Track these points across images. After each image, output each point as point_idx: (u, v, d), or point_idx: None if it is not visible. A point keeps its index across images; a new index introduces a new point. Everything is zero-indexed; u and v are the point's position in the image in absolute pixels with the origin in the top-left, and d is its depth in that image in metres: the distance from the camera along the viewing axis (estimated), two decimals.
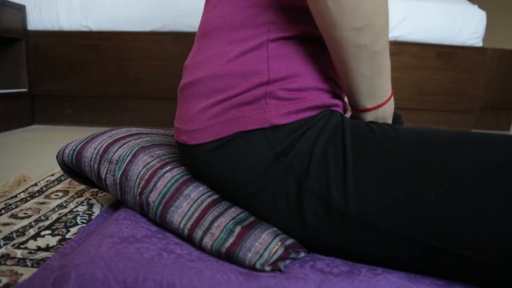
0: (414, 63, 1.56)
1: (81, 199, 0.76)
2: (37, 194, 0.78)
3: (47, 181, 0.86)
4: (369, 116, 0.52)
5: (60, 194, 0.78)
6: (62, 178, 0.88)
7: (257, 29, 0.47)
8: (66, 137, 1.46)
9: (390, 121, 0.55)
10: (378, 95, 0.50)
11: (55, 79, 1.64)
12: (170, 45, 1.59)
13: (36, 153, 1.17)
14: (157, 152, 0.59)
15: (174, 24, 1.58)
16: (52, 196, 0.77)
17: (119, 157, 0.59)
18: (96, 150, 0.62)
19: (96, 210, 0.70)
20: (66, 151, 0.65)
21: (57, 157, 0.67)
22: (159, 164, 0.56)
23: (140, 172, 0.56)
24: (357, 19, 0.41)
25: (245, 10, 0.47)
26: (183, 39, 1.58)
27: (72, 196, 0.77)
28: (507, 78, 1.92)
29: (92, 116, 1.69)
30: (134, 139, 0.63)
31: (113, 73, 1.62)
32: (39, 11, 1.62)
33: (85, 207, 0.71)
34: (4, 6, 1.48)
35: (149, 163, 0.57)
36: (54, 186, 0.83)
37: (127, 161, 0.58)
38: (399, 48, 1.55)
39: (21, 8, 1.58)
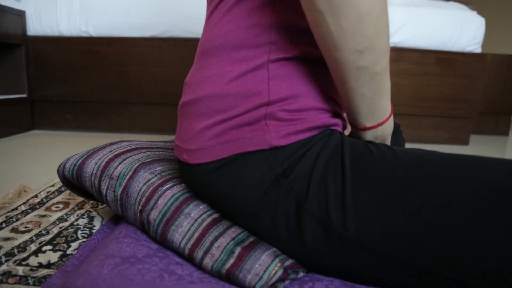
0: (414, 69, 1.57)
1: (82, 211, 0.76)
2: (37, 206, 0.78)
3: (48, 192, 0.86)
4: (369, 135, 0.52)
5: (61, 206, 0.79)
6: (62, 189, 0.88)
7: (258, 49, 0.47)
8: (66, 143, 1.47)
9: (389, 139, 0.56)
10: (378, 114, 0.50)
11: (55, 84, 1.64)
12: (170, 51, 1.59)
13: (36, 160, 1.17)
14: (157, 169, 0.60)
15: (174, 30, 1.58)
16: (53, 208, 0.77)
17: (119, 173, 0.60)
18: (96, 166, 0.63)
19: (97, 223, 0.70)
20: (67, 165, 0.66)
21: (57, 171, 0.67)
22: (159, 181, 0.56)
23: (140, 189, 0.56)
24: (358, 42, 0.41)
25: (247, 30, 0.48)
26: (183, 45, 1.58)
27: (73, 208, 0.78)
28: (506, 83, 1.93)
29: (92, 121, 1.69)
30: (134, 155, 0.64)
31: (113, 78, 1.62)
32: (39, 16, 1.62)
33: (85, 220, 0.71)
34: (4, 12, 1.48)
35: (149, 180, 0.57)
36: (54, 197, 0.83)
37: (127, 177, 0.59)
38: (399, 54, 1.56)
39: (21, 14, 1.59)
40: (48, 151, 1.32)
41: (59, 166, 0.67)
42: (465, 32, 1.57)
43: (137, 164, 0.60)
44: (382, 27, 0.42)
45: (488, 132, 2.01)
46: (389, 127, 0.53)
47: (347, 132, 0.61)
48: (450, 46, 1.59)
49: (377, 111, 0.50)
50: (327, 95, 0.50)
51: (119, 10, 1.59)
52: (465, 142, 1.68)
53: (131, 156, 0.63)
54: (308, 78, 0.49)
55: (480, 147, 1.69)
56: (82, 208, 0.78)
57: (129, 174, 0.59)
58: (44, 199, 0.82)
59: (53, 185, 0.90)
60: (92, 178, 0.62)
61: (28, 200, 0.81)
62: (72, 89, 1.64)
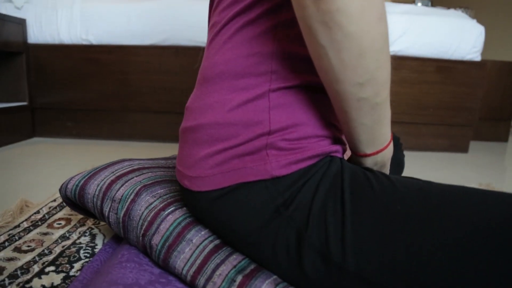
0: (414, 77, 1.57)
1: (84, 228, 0.76)
2: (39, 223, 0.78)
3: (49, 207, 0.87)
4: (369, 161, 0.53)
5: (63, 222, 0.79)
6: (64, 204, 0.89)
7: (259, 77, 0.48)
8: (67, 152, 1.47)
9: (389, 164, 0.56)
10: (378, 142, 0.51)
11: (55, 92, 1.65)
12: (171, 59, 1.59)
13: (37, 171, 1.17)
14: (159, 191, 0.60)
15: (174, 38, 1.58)
16: (55, 225, 0.78)
17: (121, 196, 0.60)
18: (98, 187, 0.63)
19: (99, 241, 0.71)
20: (69, 186, 0.66)
21: (60, 191, 0.68)
22: (161, 205, 0.57)
23: (142, 213, 0.57)
24: (359, 75, 0.41)
25: (247, 59, 0.48)
26: (183, 53, 1.58)
27: (75, 225, 0.78)
28: (506, 90, 1.93)
29: (93, 129, 1.70)
30: (136, 176, 0.64)
31: (113, 86, 1.63)
32: (40, 24, 1.62)
33: (87, 238, 0.72)
34: (5, 20, 1.49)
35: (151, 203, 0.57)
36: (56, 213, 0.84)
37: (129, 200, 0.59)
38: (399, 63, 1.56)
39: (22, 22, 1.59)
40: (49, 160, 1.32)
41: (61, 186, 0.68)
42: (465, 41, 1.58)
43: (139, 187, 0.61)
44: (383, 60, 0.42)
45: (487, 138, 2.02)
46: (389, 153, 0.54)
47: (347, 155, 0.62)
48: (450, 54, 1.59)
49: (377, 139, 0.50)
50: (327, 121, 0.50)
51: (119, 18, 1.59)
52: (464, 149, 1.68)
53: (133, 177, 0.64)
54: (309, 105, 0.49)
55: (479, 154, 1.69)
56: (84, 225, 0.78)
57: (131, 196, 0.59)
58: (46, 215, 0.82)
59: (54, 200, 0.91)
60: (95, 199, 0.63)
61: (30, 216, 0.81)
62: (73, 96, 1.65)
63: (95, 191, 0.63)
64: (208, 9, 0.58)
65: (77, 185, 0.65)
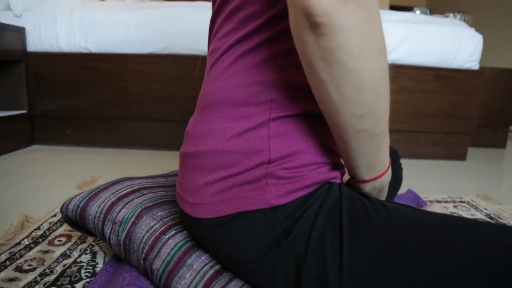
0: (412, 86, 1.58)
1: (84, 245, 0.77)
2: (40, 240, 0.79)
3: (50, 223, 0.87)
4: (367, 187, 0.53)
5: (63, 239, 0.80)
6: None
7: (259, 106, 0.48)
8: (66, 160, 1.47)
9: (387, 188, 0.57)
10: (377, 169, 0.51)
11: (54, 100, 1.65)
12: (170, 68, 1.59)
13: (37, 183, 1.18)
14: (159, 214, 0.61)
15: (173, 46, 1.59)
16: (56, 242, 0.78)
17: (122, 218, 0.61)
18: (99, 209, 0.64)
19: (100, 260, 0.71)
20: (70, 206, 0.67)
21: (61, 210, 0.69)
22: (162, 229, 0.57)
23: (143, 236, 0.57)
24: (359, 108, 0.42)
25: (248, 87, 0.48)
26: (182, 61, 1.59)
27: (75, 242, 0.79)
28: (503, 97, 1.94)
29: (92, 137, 1.70)
30: (137, 197, 0.65)
31: (112, 94, 1.63)
32: (39, 33, 1.62)
33: (88, 257, 0.72)
34: (4, 29, 1.49)
35: (152, 227, 0.58)
36: (56, 229, 0.84)
37: (130, 222, 0.60)
38: (397, 71, 1.57)
39: (21, 31, 1.59)
40: (48, 170, 1.32)
41: (62, 206, 0.68)
42: (463, 49, 1.58)
43: (139, 209, 0.61)
44: (383, 93, 0.43)
45: (485, 145, 2.03)
46: (387, 178, 0.54)
47: (346, 177, 0.62)
48: (448, 63, 1.60)
49: (375, 166, 0.51)
50: (326, 147, 0.51)
51: (118, 27, 1.60)
52: (462, 157, 1.69)
53: (133, 199, 0.64)
54: (308, 133, 0.50)
55: (477, 162, 1.70)
56: (84, 241, 0.79)
57: (132, 219, 0.60)
58: (46, 231, 0.83)
59: (54, 215, 0.91)
60: (96, 221, 0.63)
61: (30, 233, 0.82)
62: (72, 104, 1.65)
63: (96, 213, 0.63)
64: (208, 32, 0.59)
65: (78, 206, 0.66)
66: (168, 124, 1.66)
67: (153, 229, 0.58)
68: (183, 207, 0.53)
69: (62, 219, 0.89)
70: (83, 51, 1.63)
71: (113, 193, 0.66)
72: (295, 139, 0.48)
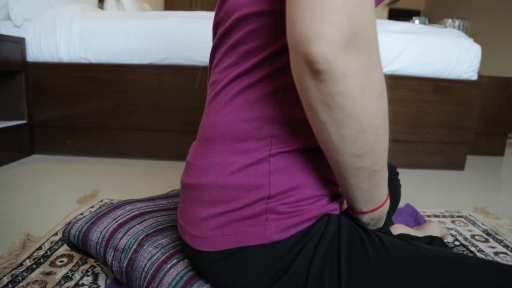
0: (411, 96, 1.59)
1: (86, 266, 0.77)
2: (42, 261, 0.79)
3: (51, 242, 0.87)
4: (365, 218, 0.54)
5: (65, 260, 0.80)
6: None
7: (259, 142, 0.49)
8: (66, 171, 1.48)
9: (384, 217, 0.58)
10: (375, 201, 0.52)
11: (54, 110, 1.65)
12: (169, 78, 1.60)
13: (38, 198, 1.18)
14: (161, 241, 0.61)
15: (173, 57, 1.59)
16: (57, 262, 0.79)
17: (124, 246, 0.61)
18: (101, 235, 0.64)
19: (101, 282, 0.72)
20: (72, 231, 0.67)
21: (63, 234, 0.69)
22: (163, 257, 0.58)
23: (145, 265, 0.58)
24: (359, 148, 0.43)
25: (249, 123, 0.49)
26: (182, 72, 1.59)
27: (77, 263, 0.79)
28: (502, 105, 1.95)
29: (92, 147, 1.70)
30: (138, 223, 0.65)
31: (112, 104, 1.63)
32: (39, 43, 1.63)
33: (90, 279, 0.73)
34: (4, 41, 1.49)
35: (153, 255, 0.59)
36: (58, 248, 0.85)
37: (132, 250, 0.60)
38: (396, 82, 1.57)
39: (21, 41, 1.59)
40: (48, 183, 1.33)
41: (64, 231, 0.69)
42: (462, 60, 1.59)
43: (141, 236, 0.62)
44: (382, 133, 0.43)
45: (484, 153, 2.04)
46: (385, 209, 0.55)
47: (345, 205, 0.63)
48: (447, 73, 1.61)
49: (374, 199, 0.51)
50: (326, 179, 0.52)
51: (118, 37, 1.60)
52: (460, 167, 1.70)
53: (135, 225, 0.65)
54: (308, 167, 0.50)
55: (475, 172, 1.71)
56: (86, 262, 0.79)
57: (134, 246, 0.61)
58: (48, 251, 0.83)
59: (56, 234, 0.92)
60: (98, 247, 0.64)
61: (32, 253, 0.82)
62: (72, 114, 1.65)
63: (98, 239, 0.64)
64: (208, 63, 0.59)
65: (80, 231, 0.66)
66: (168, 134, 1.67)
67: (154, 258, 0.58)
68: (184, 237, 0.54)
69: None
70: (83, 61, 1.64)
71: (115, 219, 0.67)
72: (295, 173, 0.49)
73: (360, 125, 0.40)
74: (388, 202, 0.56)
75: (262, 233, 0.47)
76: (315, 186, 0.50)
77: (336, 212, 0.53)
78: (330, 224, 0.50)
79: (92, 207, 1.09)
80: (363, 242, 0.48)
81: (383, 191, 0.52)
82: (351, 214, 0.56)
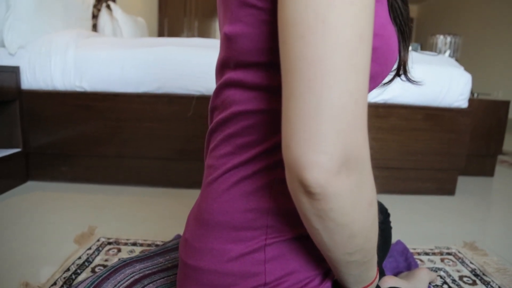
0: (403, 125, 1.62)
1: None
2: None
3: None
4: None
5: None
6: (64, 286, 0.91)
7: (255, 231, 0.51)
8: (62, 201, 1.48)
9: None
10: (365, 281, 0.54)
11: (49, 137, 1.66)
12: (164, 107, 1.61)
13: (34, 233, 1.19)
14: None
15: (167, 86, 1.60)
16: None
17: None
18: None
19: None
20: None
21: None
22: None
23: None
24: (350, 248, 0.45)
25: (245, 214, 0.51)
26: (176, 101, 1.61)
27: None
28: (491, 127, 1.99)
29: (88, 174, 1.71)
30: None
31: (107, 133, 1.64)
32: (33, 71, 1.63)
33: None
34: None
35: None
36: None
37: None
38: (389, 111, 1.60)
39: (15, 70, 1.59)
40: (44, 217, 1.33)
41: None
42: (453, 89, 1.62)
43: None
44: (372, 235, 0.46)
45: (474, 173, 2.08)
46: (374, 284, 0.57)
47: None
48: (439, 102, 1.64)
49: (364, 280, 0.54)
50: (318, 259, 0.54)
51: (113, 66, 1.60)
52: (451, 192, 1.74)
53: None
54: (302, 253, 0.52)
55: (466, 197, 1.75)
56: None
57: None
58: None
59: (55, 283, 0.93)
60: None
61: None
62: (67, 142, 1.66)
63: None
64: (205, 143, 0.61)
65: None
66: (163, 162, 1.68)
67: None
68: None
69: (62, 286, 0.91)
70: (78, 89, 1.64)
71: (115, 285, 0.68)
72: (289, 260, 0.51)
73: (351, 232, 0.42)
74: (377, 279, 0.58)
75: None
76: (308, 268, 0.52)
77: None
78: None
79: (90, 248, 1.10)
80: None
81: (373, 272, 0.54)
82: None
